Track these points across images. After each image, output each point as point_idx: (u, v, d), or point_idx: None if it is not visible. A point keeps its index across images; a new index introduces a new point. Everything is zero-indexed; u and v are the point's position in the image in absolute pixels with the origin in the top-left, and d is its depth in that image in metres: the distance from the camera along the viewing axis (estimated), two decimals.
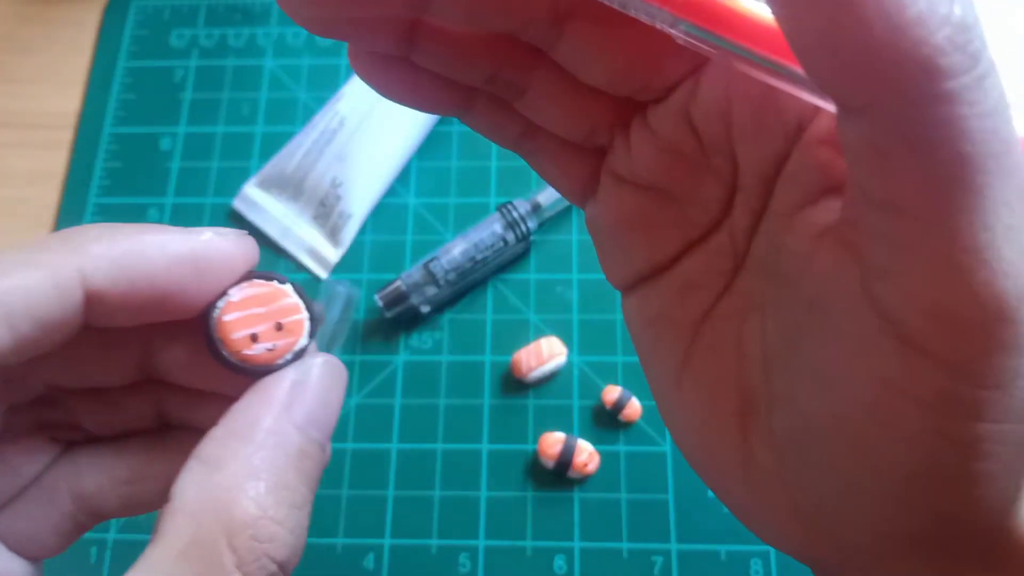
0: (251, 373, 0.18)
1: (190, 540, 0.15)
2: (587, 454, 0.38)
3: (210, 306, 0.18)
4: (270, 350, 0.18)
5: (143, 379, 0.21)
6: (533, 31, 0.18)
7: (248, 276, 0.18)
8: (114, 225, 0.18)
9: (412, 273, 0.41)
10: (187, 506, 0.16)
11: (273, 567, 0.16)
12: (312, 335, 0.18)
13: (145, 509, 0.21)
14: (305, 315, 0.18)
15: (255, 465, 0.16)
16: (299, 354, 0.18)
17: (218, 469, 0.16)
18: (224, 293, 0.18)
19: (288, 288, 0.18)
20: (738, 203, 0.19)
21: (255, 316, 0.18)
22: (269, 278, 0.18)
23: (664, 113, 0.19)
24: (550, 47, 0.18)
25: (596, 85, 0.19)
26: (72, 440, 0.21)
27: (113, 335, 0.19)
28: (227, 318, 0.17)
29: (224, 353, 0.17)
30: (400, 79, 0.19)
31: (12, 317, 0.16)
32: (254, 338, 0.18)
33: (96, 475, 0.21)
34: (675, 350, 0.20)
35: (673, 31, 0.16)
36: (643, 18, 0.16)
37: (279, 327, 0.18)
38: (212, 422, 0.18)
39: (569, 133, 0.20)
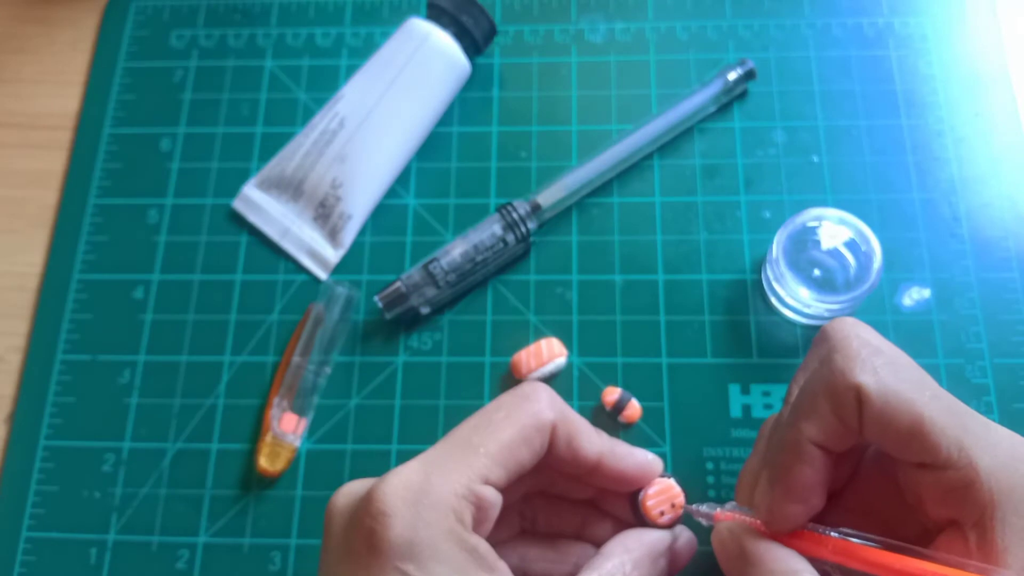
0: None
1: None
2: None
3: (639, 493, 0.34)
4: (669, 519, 0.33)
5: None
6: None
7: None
8: (615, 442, 0.33)
9: (412, 274, 0.41)
10: (608, 560, 0.30)
11: None
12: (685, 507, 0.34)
13: None
14: (683, 498, 0.34)
15: (640, 556, 0.31)
16: (679, 520, 0.34)
17: (627, 552, 0.31)
18: (644, 487, 0.33)
19: (673, 481, 0.34)
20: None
21: (661, 501, 0.33)
22: (663, 475, 0.34)
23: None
24: None
25: None
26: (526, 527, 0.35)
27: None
28: (649, 503, 0.33)
29: (648, 523, 0.33)
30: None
31: (570, 442, 0.31)
32: (661, 513, 0.33)
33: (536, 550, 0.34)
34: None
35: None
36: None
37: (672, 505, 0.33)
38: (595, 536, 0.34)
39: None
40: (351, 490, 0.28)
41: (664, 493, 0.33)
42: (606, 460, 0.32)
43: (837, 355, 0.28)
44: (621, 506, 0.34)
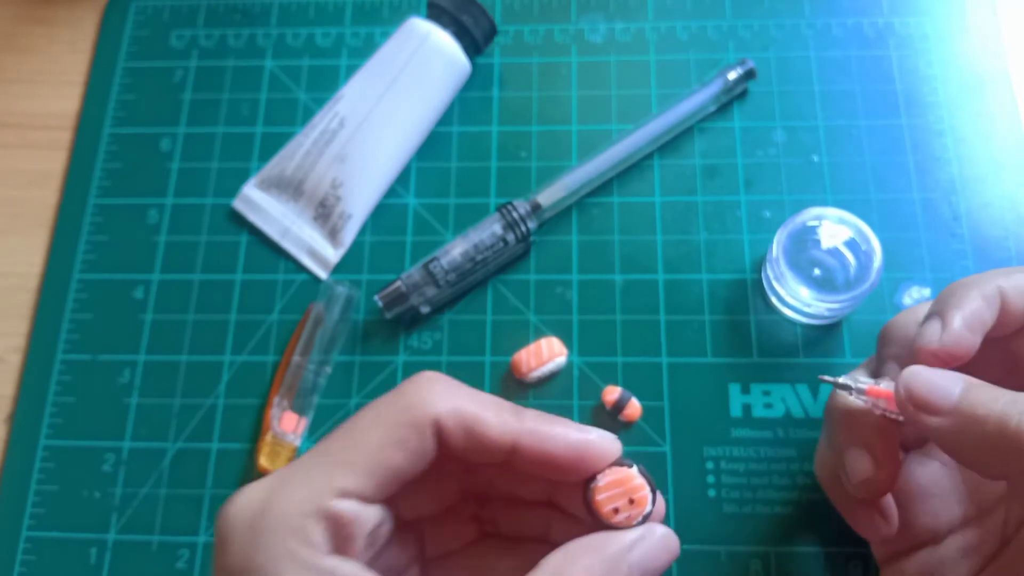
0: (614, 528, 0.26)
1: None
2: None
3: (586, 486, 0.26)
4: (627, 517, 0.25)
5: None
6: None
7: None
8: (544, 415, 0.26)
9: (412, 274, 0.41)
10: (543, 572, 0.24)
11: None
12: (654, 503, 0.26)
13: None
14: (647, 491, 0.26)
15: (593, 571, 0.24)
16: (645, 518, 0.26)
17: (571, 564, 0.24)
18: (594, 476, 0.26)
19: (635, 471, 0.26)
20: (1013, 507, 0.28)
21: (616, 495, 0.26)
22: (621, 464, 0.26)
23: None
24: None
25: None
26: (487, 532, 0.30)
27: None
28: (599, 497, 0.26)
29: (601, 521, 0.26)
30: None
31: (471, 433, 0.25)
32: (616, 510, 0.25)
33: (497, 557, 0.29)
34: None
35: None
36: None
37: (631, 501, 0.25)
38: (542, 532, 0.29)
39: None
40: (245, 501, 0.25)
41: (621, 484, 0.26)
42: (524, 444, 0.25)
43: None
44: (579, 502, 0.27)
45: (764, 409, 0.39)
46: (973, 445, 0.26)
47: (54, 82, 0.49)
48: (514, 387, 0.40)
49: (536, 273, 0.43)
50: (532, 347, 0.40)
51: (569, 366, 0.41)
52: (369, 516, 0.24)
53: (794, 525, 0.37)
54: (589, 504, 0.26)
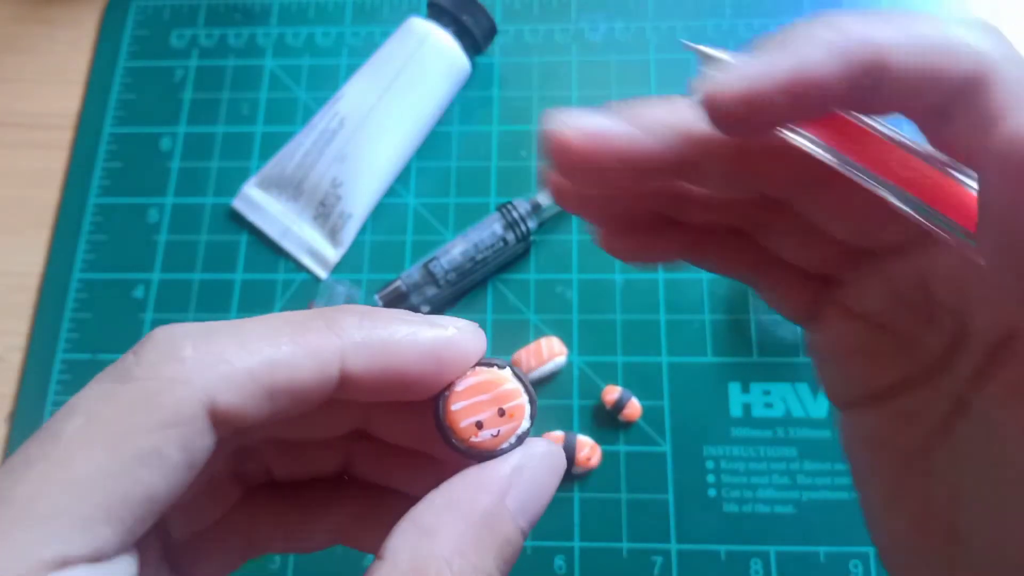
0: (477, 457, 0.19)
1: None
2: (588, 448, 0.38)
3: (439, 395, 0.19)
4: (494, 436, 0.19)
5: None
6: (779, 194, 0.20)
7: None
8: (370, 310, 0.19)
9: (412, 273, 0.41)
10: (399, 567, 0.17)
11: None
12: (533, 418, 0.19)
13: (307, 551, 0.22)
14: (525, 399, 0.19)
15: (465, 543, 0.17)
16: (521, 438, 0.19)
17: (431, 538, 0.17)
18: (451, 383, 0.19)
19: (507, 373, 0.19)
20: (963, 357, 0.19)
21: (479, 403, 0.19)
22: (489, 364, 0.19)
23: (900, 266, 0.20)
24: (793, 203, 0.20)
25: (834, 236, 0.20)
26: (253, 484, 0.22)
27: (344, 403, 0.20)
28: (455, 407, 0.19)
29: (454, 441, 0.19)
30: (645, 243, 0.22)
31: (275, 392, 0.17)
32: (479, 425, 0.19)
33: (270, 517, 0.22)
34: (887, 475, 0.21)
35: (902, 208, 0.18)
36: (879, 192, 0.18)
37: (501, 412, 0.19)
38: (405, 484, 0.21)
39: (801, 263, 0.22)
40: None
41: (486, 389, 0.19)
42: (354, 368, 0.18)
43: None
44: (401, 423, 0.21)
45: (764, 408, 0.39)
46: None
47: (54, 82, 0.49)
48: None
49: (536, 272, 0.43)
50: (532, 347, 0.40)
51: (569, 366, 0.41)
52: None
53: (794, 525, 0.37)
54: (441, 420, 0.19)
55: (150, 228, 0.45)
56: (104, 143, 0.47)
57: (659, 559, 0.37)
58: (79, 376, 0.42)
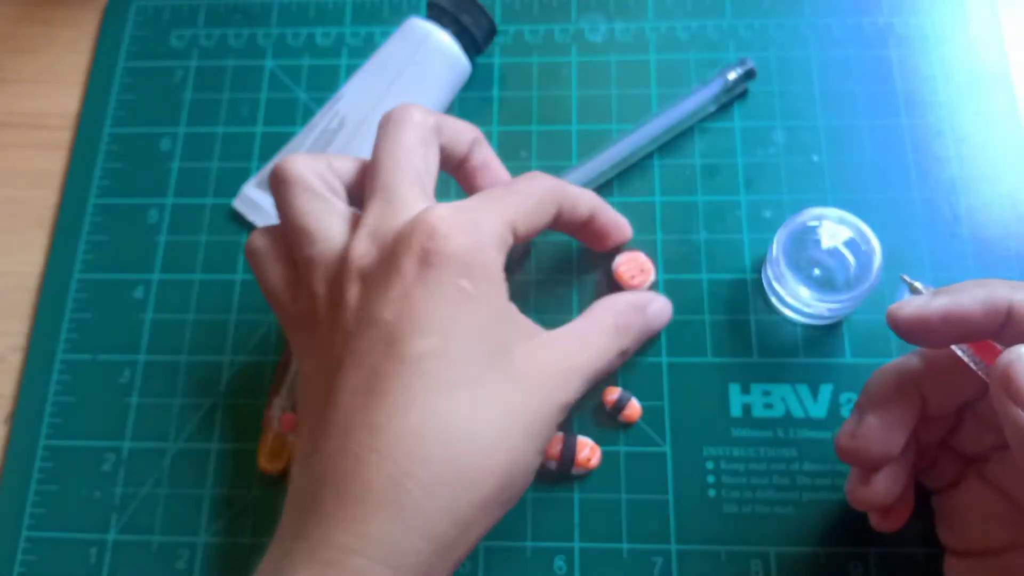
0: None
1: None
2: (588, 448, 0.38)
3: (612, 262, 0.41)
4: (640, 281, 0.40)
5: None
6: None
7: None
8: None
9: None
10: (585, 315, 0.37)
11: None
12: (657, 274, 0.41)
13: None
14: (651, 264, 0.41)
15: (594, 327, 0.36)
16: (652, 286, 0.41)
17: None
18: (614, 256, 0.41)
19: (642, 254, 0.41)
20: None
21: (631, 267, 0.40)
22: (631, 250, 0.41)
23: None
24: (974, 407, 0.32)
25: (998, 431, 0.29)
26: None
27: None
28: (622, 268, 0.40)
29: (620, 285, 0.40)
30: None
31: (528, 223, 0.33)
32: (632, 275, 0.40)
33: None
34: None
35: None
36: None
37: (642, 271, 0.40)
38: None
39: (965, 449, 0.32)
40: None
41: (633, 260, 0.40)
42: (597, 215, 0.37)
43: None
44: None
45: (764, 409, 0.39)
46: None
47: (54, 82, 0.49)
48: None
49: (536, 273, 0.43)
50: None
51: None
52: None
53: (794, 525, 0.37)
54: (614, 272, 0.40)
55: (150, 228, 0.45)
56: (104, 143, 0.47)
57: (659, 559, 0.37)
58: (79, 377, 0.42)
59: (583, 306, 0.42)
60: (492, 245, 0.30)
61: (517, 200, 0.32)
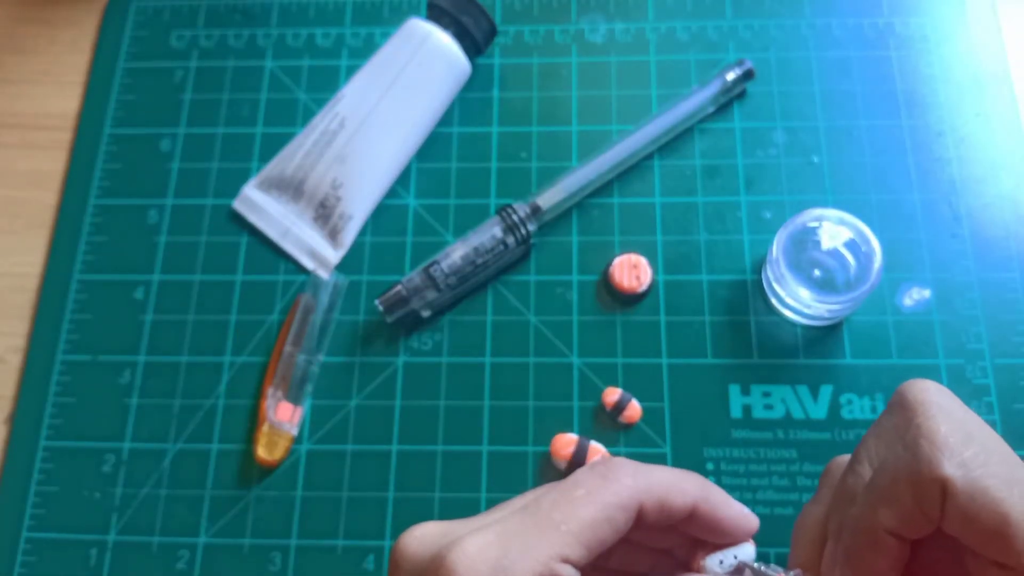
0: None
1: None
2: (600, 456, 0.38)
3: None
4: (636, 286, 0.38)
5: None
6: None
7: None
8: (704, 482, 0.30)
9: (413, 277, 0.41)
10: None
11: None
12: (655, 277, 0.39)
13: None
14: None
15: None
16: (649, 288, 0.39)
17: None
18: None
19: (637, 255, 0.40)
20: None
21: (627, 269, 0.39)
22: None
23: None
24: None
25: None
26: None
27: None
28: (615, 272, 0.39)
29: (615, 287, 0.38)
30: None
31: (590, 544, 0.26)
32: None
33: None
34: None
35: None
36: None
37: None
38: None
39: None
40: (424, 535, 0.27)
41: (628, 262, 0.38)
42: (700, 508, 0.29)
43: (923, 441, 0.26)
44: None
45: (764, 410, 0.39)
46: None
47: (54, 82, 0.49)
48: (515, 387, 0.40)
49: (536, 274, 0.43)
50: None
51: (569, 367, 0.41)
52: None
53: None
54: (608, 276, 0.38)
55: (150, 229, 0.45)
56: (104, 144, 0.47)
57: None
58: (79, 377, 0.42)
59: (582, 306, 0.42)
60: None
61: (572, 519, 0.26)
